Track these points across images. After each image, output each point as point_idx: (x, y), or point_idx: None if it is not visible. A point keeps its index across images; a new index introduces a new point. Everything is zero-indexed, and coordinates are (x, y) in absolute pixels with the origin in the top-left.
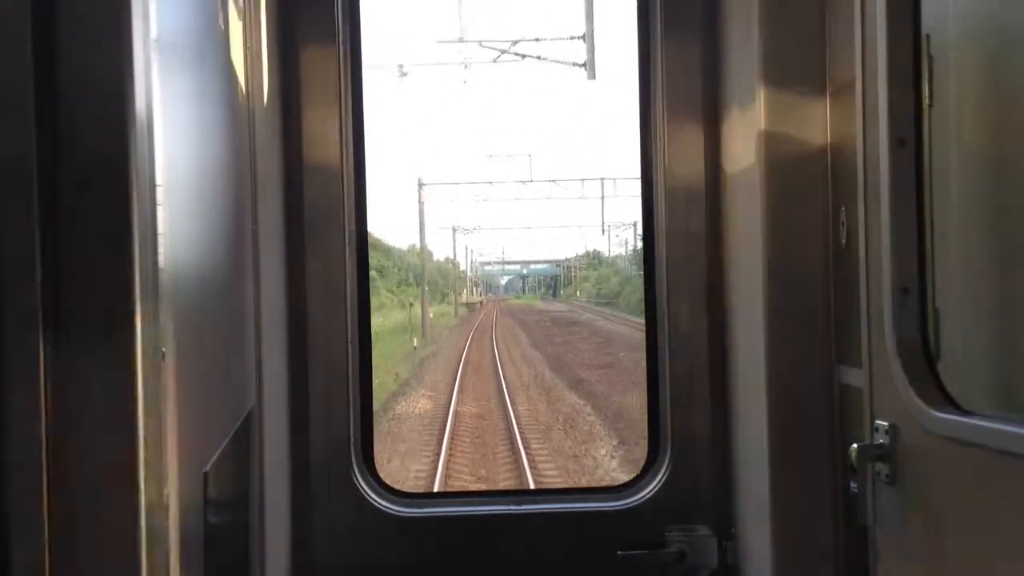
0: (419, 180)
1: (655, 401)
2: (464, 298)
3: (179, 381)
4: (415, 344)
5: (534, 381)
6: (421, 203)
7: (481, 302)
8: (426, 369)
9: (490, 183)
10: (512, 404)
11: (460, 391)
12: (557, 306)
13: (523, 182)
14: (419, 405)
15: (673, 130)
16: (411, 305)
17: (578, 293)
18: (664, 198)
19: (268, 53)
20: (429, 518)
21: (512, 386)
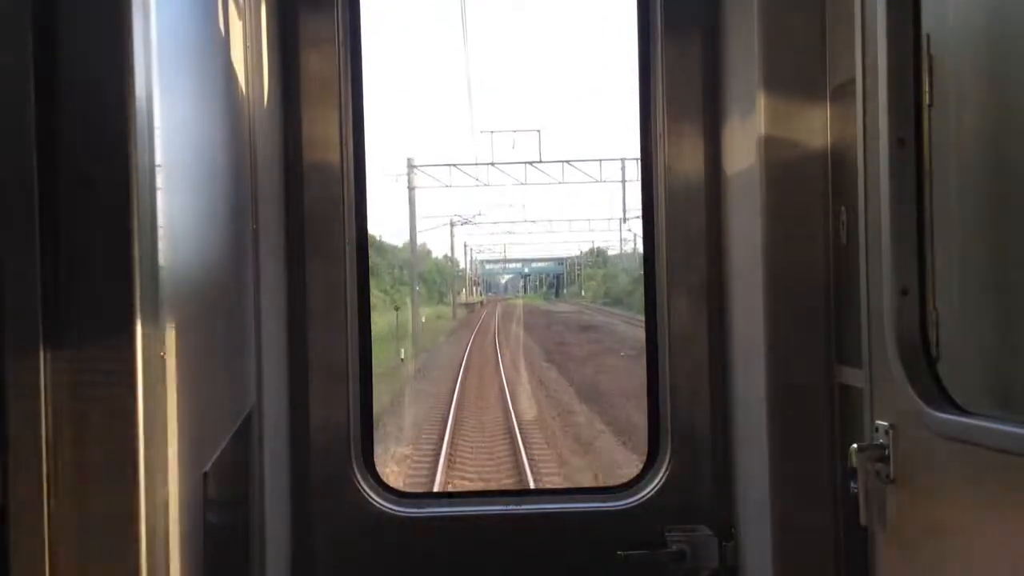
0: (409, 161)
1: (655, 401)
2: (463, 298)
3: (179, 381)
4: (403, 355)
5: (561, 426)
6: (411, 188)
7: (481, 302)
8: (411, 393)
9: (492, 164)
10: (531, 468)
11: (452, 440)
12: (563, 307)
13: (531, 163)
14: (386, 470)
15: (673, 130)
16: (397, 309)
17: (583, 292)
18: (664, 198)
19: (268, 53)
20: (429, 518)
21: (529, 437)
